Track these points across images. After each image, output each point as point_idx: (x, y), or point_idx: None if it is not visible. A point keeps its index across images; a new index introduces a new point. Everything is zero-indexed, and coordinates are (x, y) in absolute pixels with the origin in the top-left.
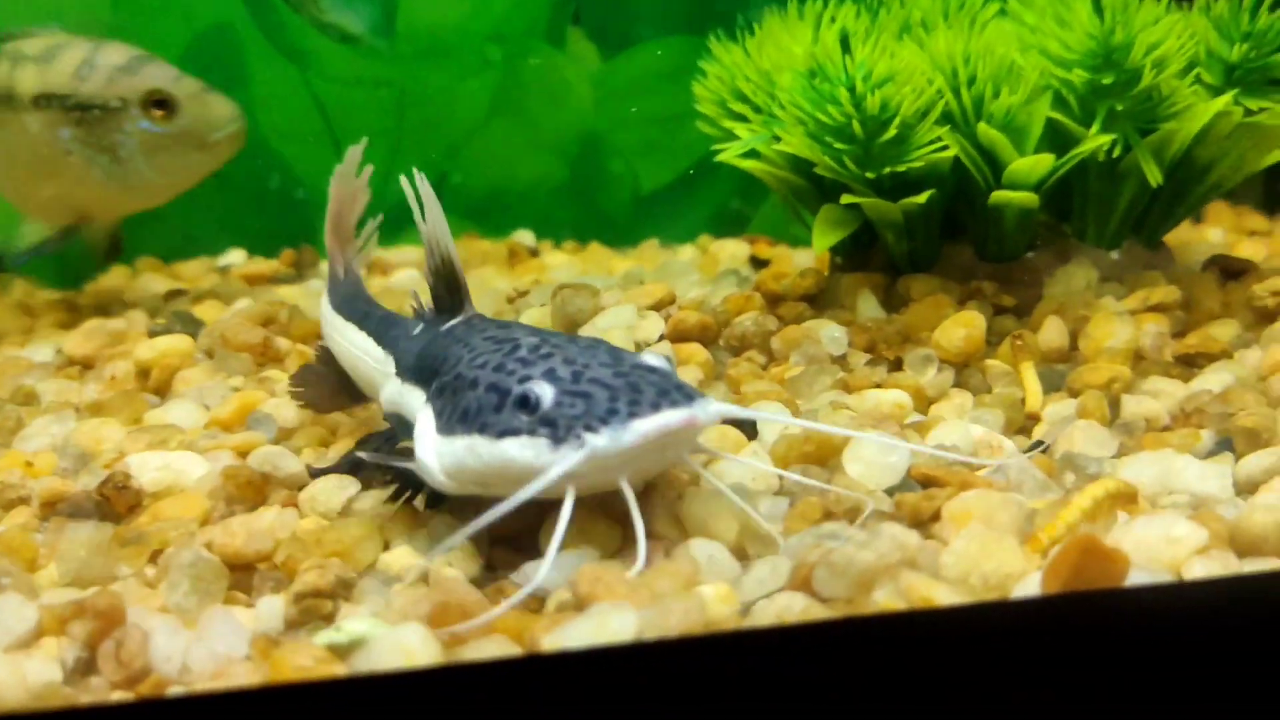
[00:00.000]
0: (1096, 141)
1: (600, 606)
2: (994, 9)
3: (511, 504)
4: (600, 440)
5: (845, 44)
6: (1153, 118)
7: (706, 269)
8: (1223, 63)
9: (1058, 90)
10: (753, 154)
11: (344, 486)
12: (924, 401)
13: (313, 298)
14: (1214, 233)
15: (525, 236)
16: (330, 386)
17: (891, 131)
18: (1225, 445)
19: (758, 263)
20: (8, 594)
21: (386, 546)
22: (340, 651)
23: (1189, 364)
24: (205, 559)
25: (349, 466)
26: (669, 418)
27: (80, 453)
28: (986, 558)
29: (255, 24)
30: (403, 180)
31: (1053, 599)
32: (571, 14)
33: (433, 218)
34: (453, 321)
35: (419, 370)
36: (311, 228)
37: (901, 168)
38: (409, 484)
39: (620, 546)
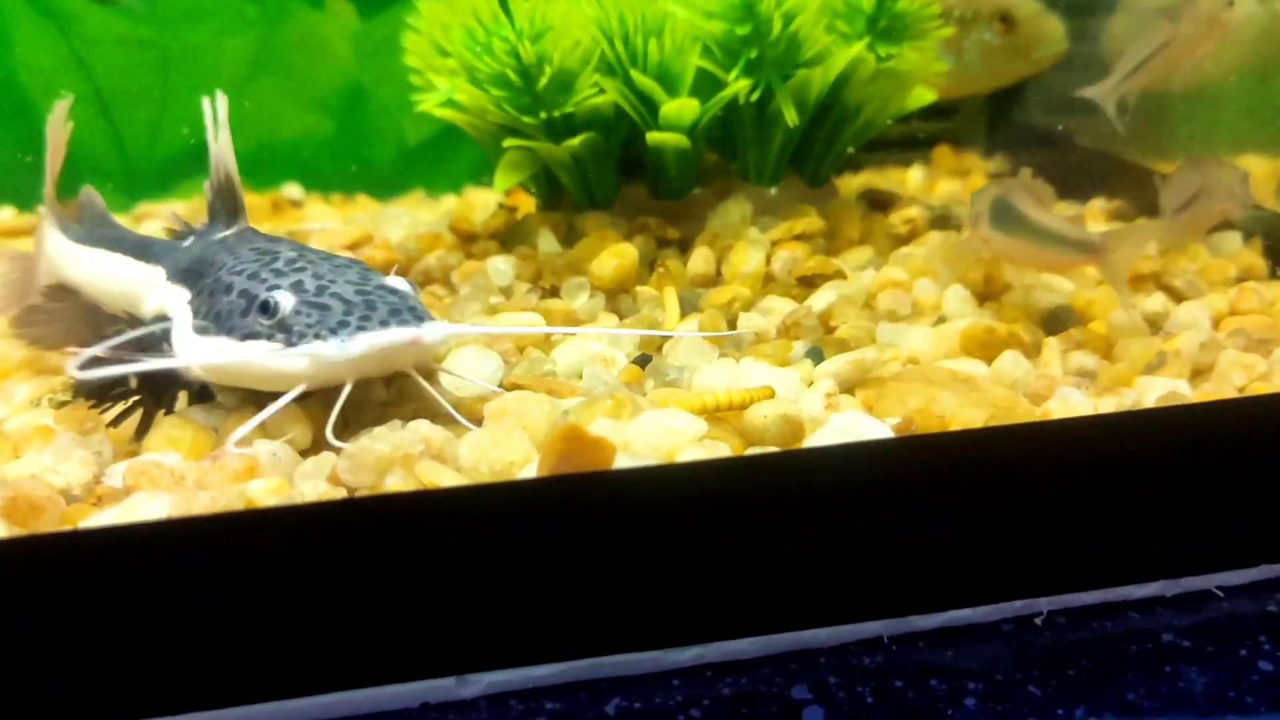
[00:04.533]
0: (736, 86)
1: (139, 495)
2: None
3: (281, 403)
4: (328, 349)
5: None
6: (792, 64)
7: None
8: (862, 14)
9: (706, 41)
10: (454, 104)
11: None
12: (575, 323)
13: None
14: (919, 173)
15: (293, 189)
16: (65, 323)
17: (544, 80)
18: (814, 354)
19: (506, 209)
20: None
21: (17, 458)
22: None
23: (809, 284)
24: None
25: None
26: (394, 334)
27: None
28: (494, 448)
29: None
30: (204, 101)
31: (537, 481)
32: None
33: (222, 139)
34: (226, 232)
35: (188, 273)
36: (79, 182)
37: (558, 113)
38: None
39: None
